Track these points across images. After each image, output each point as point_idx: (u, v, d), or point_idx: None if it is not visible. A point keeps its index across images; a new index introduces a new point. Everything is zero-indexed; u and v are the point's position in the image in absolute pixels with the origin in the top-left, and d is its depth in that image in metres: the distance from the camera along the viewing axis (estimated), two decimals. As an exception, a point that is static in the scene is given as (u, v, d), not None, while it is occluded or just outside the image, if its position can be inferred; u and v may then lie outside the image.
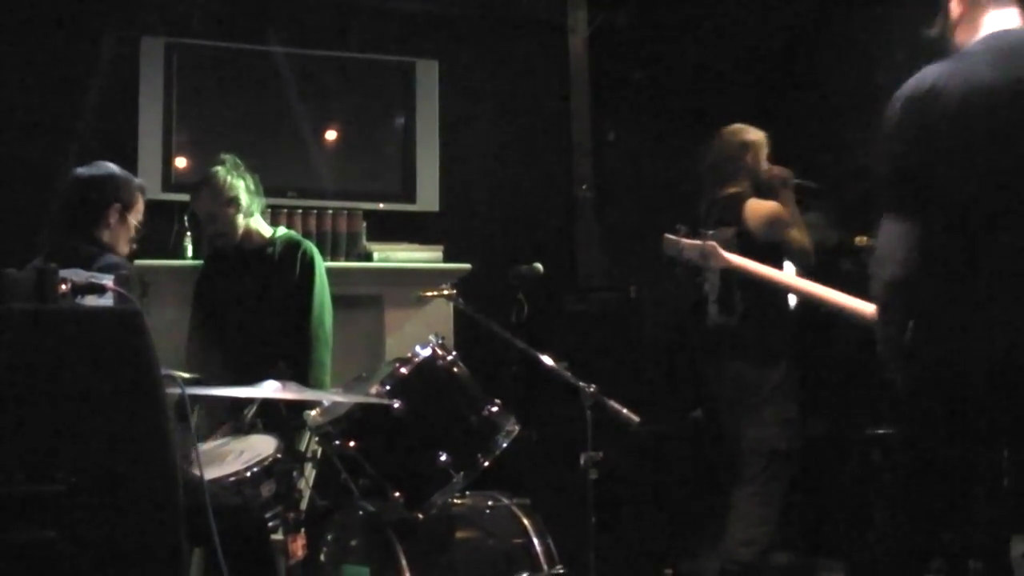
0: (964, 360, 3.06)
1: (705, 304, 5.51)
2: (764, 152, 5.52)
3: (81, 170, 4.50)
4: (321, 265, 5.45)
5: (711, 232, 5.25)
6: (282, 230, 5.55)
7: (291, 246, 5.43)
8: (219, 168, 5.30)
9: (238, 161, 5.39)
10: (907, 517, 3.26)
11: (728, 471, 5.49)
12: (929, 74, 3.12)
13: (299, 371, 5.09)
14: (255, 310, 5.34)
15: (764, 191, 5.41)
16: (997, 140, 3.02)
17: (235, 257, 5.42)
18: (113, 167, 4.55)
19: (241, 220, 5.33)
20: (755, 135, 5.54)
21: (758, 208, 5.31)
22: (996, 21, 3.23)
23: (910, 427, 3.29)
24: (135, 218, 4.53)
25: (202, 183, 5.34)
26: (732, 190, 5.44)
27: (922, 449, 3.20)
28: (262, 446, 4.26)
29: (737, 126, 5.57)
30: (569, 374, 4.34)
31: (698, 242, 4.62)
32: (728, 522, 5.30)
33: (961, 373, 3.07)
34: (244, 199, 5.32)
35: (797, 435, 5.35)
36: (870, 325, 3.39)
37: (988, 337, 3.02)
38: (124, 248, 4.48)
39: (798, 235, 5.29)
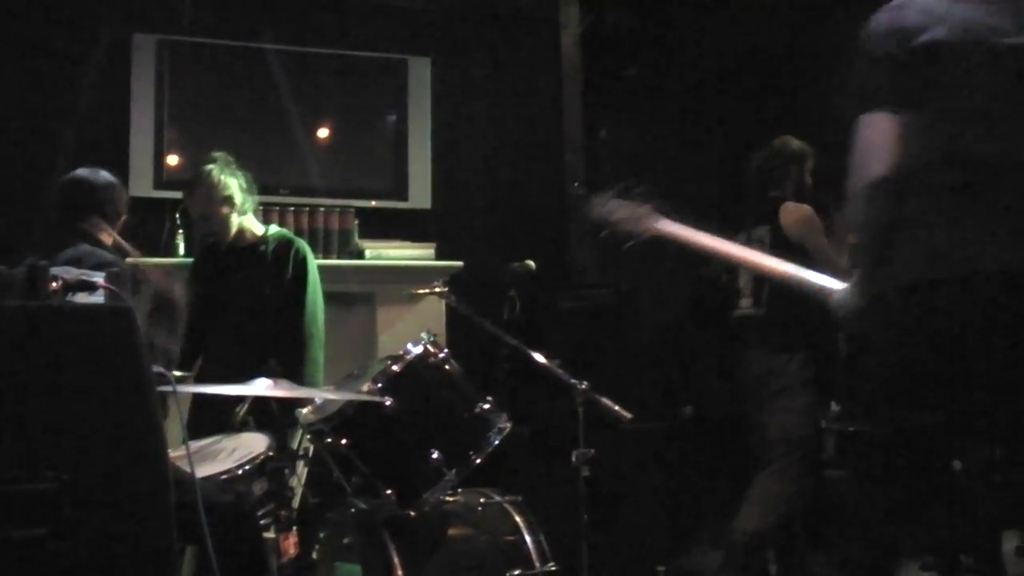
0: (969, 264, 2.83)
1: (736, 298, 5.57)
2: (810, 165, 5.63)
3: (80, 171, 4.52)
4: (314, 263, 5.44)
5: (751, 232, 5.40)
6: (274, 228, 5.53)
7: (284, 244, 5.42)
8: (211, 166, 5.27)
9: (229, 158, 5.36)
10: (878, 499, 3.01)
11: (751, 459, 5.53)
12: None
13: (291, 369, 5.08)
14: (247, 308, 5.33)
15: (805, 200, 5.50)
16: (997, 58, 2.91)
17: (227, 255, 5.40)
18: (107, 174, 4.66)
19: (235, 218, 5.31)
20: (804, 148, 5.65)
21: (793, 209, 5.46)
22: None
23: (881, 380, 3.00)
24: (121, 223, 4.62)
25: (195, 182, 5.31)
26: (774, 194, 5.54)
27: (899, 411, 2.94)
28: (254, 444, 4.25)
29: (788, 137, 5.67)
30: (561, 371, 4.34)
31: (631, 204, 4.01)
32: (744, 500, 5.33)
33: (964, 279, 2.83)
34: (238, 197, 5.30)
35: (814, 423, 5.42)
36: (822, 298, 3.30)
37: (997, 242, 2.84)
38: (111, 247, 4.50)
39: (830, 245, 5.33)
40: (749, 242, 5.52)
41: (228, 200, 5.25)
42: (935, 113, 2.90)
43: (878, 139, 2.88)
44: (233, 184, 5.26)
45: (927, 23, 2.93)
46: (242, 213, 5.32)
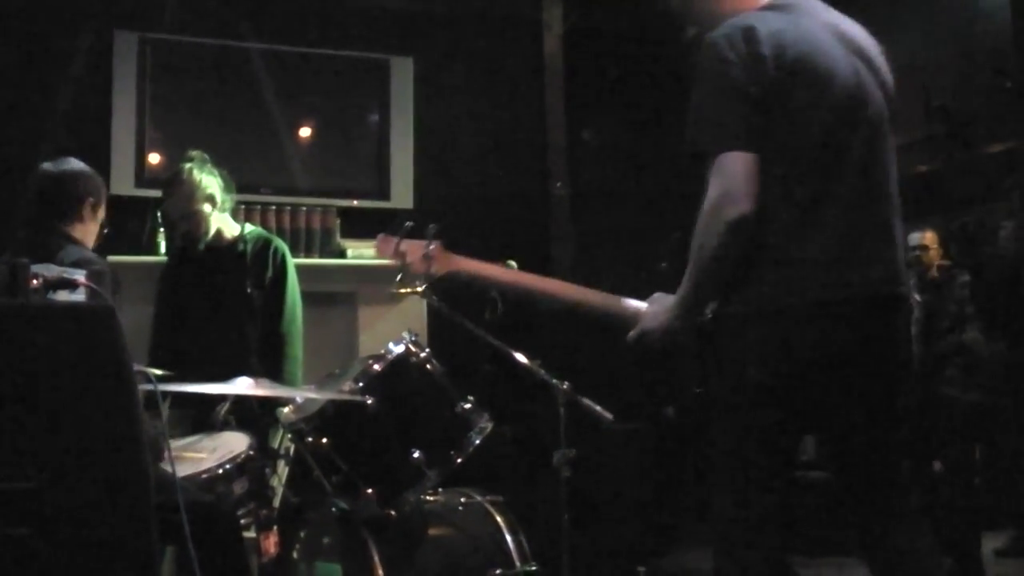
0: (841, 288, 2.90)
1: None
2: None
3: (48, 165, 4.40)
4: (292, 263, 5.44)
5: None
6: (250, 227, 5.50)
7: (262, 244, 5.40)
8: (190, 165, 5.24)
9: (206, 157, 5.34)
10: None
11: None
12: (752, 18, 3.01)
13: (272, 368, 5.08)
14: (226, 308, 5.31)
15: None
16: (836, 78, 2.98)
17: (203, 254, 5.38)
18: (81, 163, 4.46)
19: (215, 218, 5.29)
20: None
21: None
22: None
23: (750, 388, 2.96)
24: (104, 212, 4.44)
25: (173, 181, 5.26)
26: None
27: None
28: (235, 443, 4.25)
29: None
30: (543, 371, 4.33)
31: (421, 242, 3.84)
32: None
33: (838, 302, 2.90)
34: (218, 196, 5.28)
35: None
36: (626, 324, 3.32)
37: (863, 266, 2.92)
38: (93, 242, 4.39)
39: None
40: None
41: (209, 199, 5.23)
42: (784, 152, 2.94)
43: (740, 177, 2.88)
44: (213, 183, 5.24)
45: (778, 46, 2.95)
46: (222, 211, 5.30)
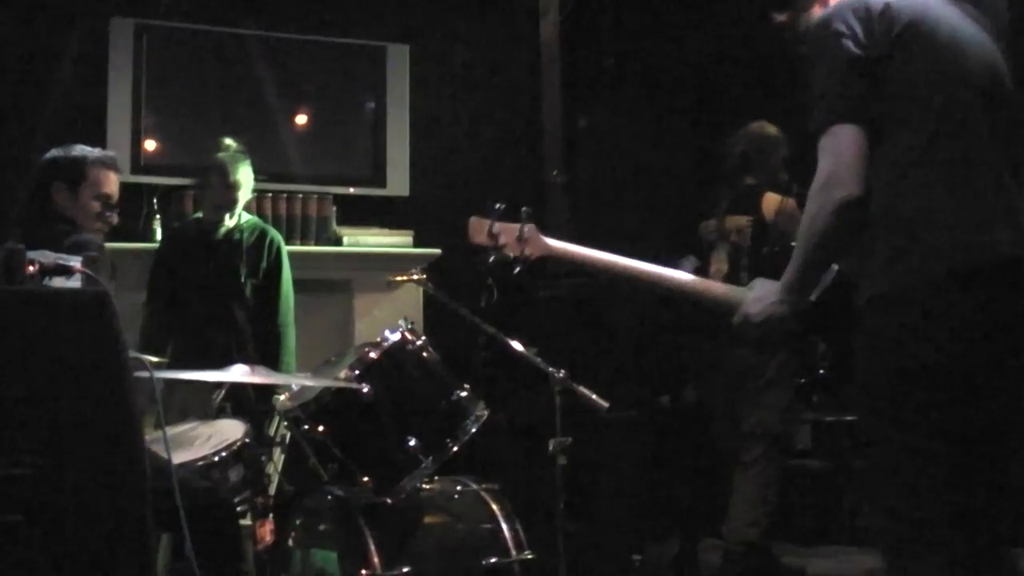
0: (977, 254, 2.74)
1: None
2: (784, 154, 5.58)
3: (57, 151, 4.37)
4: (287, 254, 5.46)
5: (724, 219, 5.47)
6: (247, 216, 5.51)
7: (259, 234, 5.42)
8: (230, 155, 5.27)
9: (242, 147, 5.39)
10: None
11: (725, 456, 5.55)
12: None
13: (268, 357, 5.09)
14: (218, 295, 5.32)
15: (780, 191, 5.42)
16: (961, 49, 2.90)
17: (199, 241, 5.39)
18: (66, 148, 4.37)
19: (241, 207, 5.34)
20: (780, 135, 5.60)
21: (780, 201, 5.37)
22: None
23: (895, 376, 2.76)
24: (91, 191, 4.30)
25: (214, 170, 5.27)
26: (751, 181, 5.49)
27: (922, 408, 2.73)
28: (230, 431, 4.25)
29: (763, 122, 5.62)
30: (539, 359, 4.33)
31: (515, 225, 3.73)
32: (731, 505, 5.35)
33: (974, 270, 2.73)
34: (251, 188, 5.35)
35: (793, 420, 5.45)
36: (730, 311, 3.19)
37: (997, 231, 2.76)
38: (91, 224, 4.29)
39: None
40: (721, 229, 5.52)
41: (244, 192, 5.27)
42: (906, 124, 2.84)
43: (849, 156, 2.80)
44: (249, 176, 5.28)
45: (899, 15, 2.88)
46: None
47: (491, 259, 3.77)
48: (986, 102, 2.89)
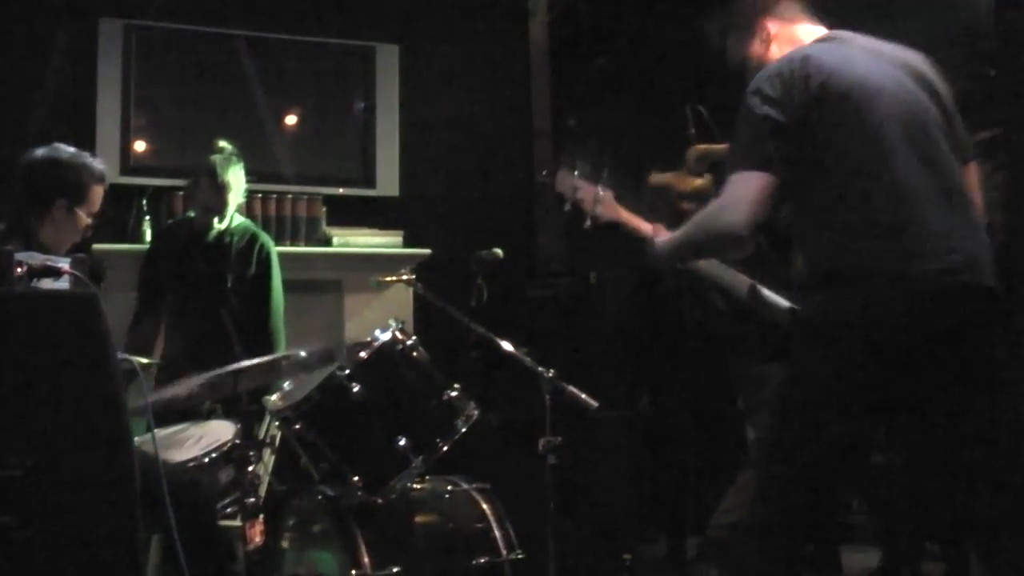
0: (903, 280, 3.01)
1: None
2: None
3: (39, 152, 4.19)
4: (276, 258, 5.46)
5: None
6: (239, 218, 5.50)
7: (248, 238, 5.42)
8: (221, 157, 5.27)
9: (235, 150, 5.37)
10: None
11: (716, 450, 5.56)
12: (797, 53, 3.23)
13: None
14: (205, 297, 5.31)
15: None
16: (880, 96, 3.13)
17: (189, 241, 5.38)
18: (65, 153, 4.22)
19: (232, 209, 5.33)
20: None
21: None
22: (810, 32, 3.46)
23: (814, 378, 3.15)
24: (87, 210, 4.20)
25: (203, 173, 5.26)
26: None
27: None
28: (221, 431, 4.25)
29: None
30: (528, 359, 4.34)
31: (594, 186, 4.13)
32: (726, 497, 5.35)
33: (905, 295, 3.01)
34: (243, 191, 5.35)
35: None
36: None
37: (927, 258, 3.01)
38: (67, 243, 4.18)
39: None
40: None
41: (235, 194, 5.26)
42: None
43: (744, 194, 3.09)
44: (241, 179, 5.27)
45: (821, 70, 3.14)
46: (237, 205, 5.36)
47: (567, 208, 4.18)
48: (909, 134, 3.11)
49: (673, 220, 4.68)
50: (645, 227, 3.95)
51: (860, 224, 3.03)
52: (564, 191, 4.19)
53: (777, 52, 3.44)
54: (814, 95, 3.08)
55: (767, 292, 3.83)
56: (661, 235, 3.55)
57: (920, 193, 3.04)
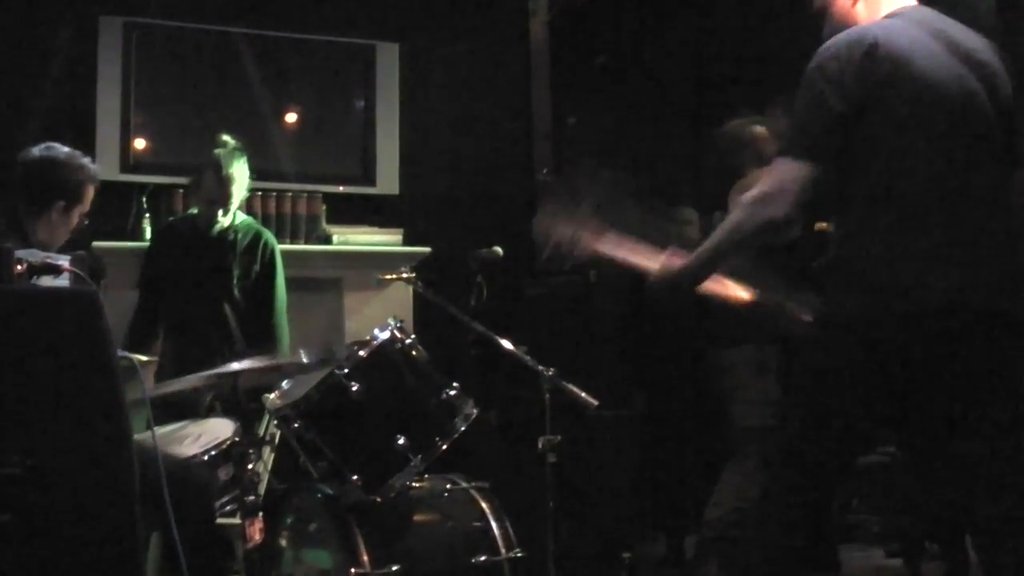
0: (930, 299, 2.98)
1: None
2: (768, 147, 5.52)
3: (33, 151, 4.26)
4: (280, 257, 5.46)
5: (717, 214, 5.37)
6: (242, 216, 5.50)
7: (253, 236, 5.42)
8: (225, 152, 5.26)
9: (239, 144, 5.37)
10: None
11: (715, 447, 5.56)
12: (868, 34, 3.14)
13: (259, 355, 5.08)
14: (207, 294, 5.31)
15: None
16: (943, 99, 3.08)
17: (192, 238, 5.38)
18: (61, 154, 4.27)
19: (235, 204, 5.33)
20: (756, 130, 5.54)
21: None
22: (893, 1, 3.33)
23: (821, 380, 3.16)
24: (80, 209, 4.28)
25: (208, 167, 5.26)
26: (739, 182, 5.48)
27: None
28: (220, 429, 4.25)
29: (737, 122, 5.58)
30: (528, 358, 4.34)
31: (570, 227, 3.77)
32: (714, 493, 5.35)
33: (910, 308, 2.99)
34: (246, 186, 5.34)
35: (771, 412, 5.42)
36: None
37: (942, 274, 2.98)
38: (60, 241, 4.23)
39: None
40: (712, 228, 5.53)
41: (239, 188, 5.26)
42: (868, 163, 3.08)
43: (787, 183, 3.07)
44: (244, 173, 5.27)
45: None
46: (241, 200, 5.36)
47: (545, 257, 3.86)
48: (957, 138, 3.07)
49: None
50: (647, 261, 3.61)
51: (889, 230, 3.01)
52: (544, 234, 3.82)
53: (863, 12, 3.33)
54: (874, 87, 3.04)
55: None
56: (675, 259, 3.38)
57: (956, 204, 3.02)
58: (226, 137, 5.39)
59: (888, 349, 2.99)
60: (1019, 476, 3.05)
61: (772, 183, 3.11)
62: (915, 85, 3.05)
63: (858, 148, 3.05)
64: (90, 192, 4.31)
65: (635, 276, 3.59)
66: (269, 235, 5.50)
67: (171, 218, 6.05)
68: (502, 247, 5.00)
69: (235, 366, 4.05)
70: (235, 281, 5.32)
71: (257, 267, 5.37)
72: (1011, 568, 3.02)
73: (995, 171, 3.13)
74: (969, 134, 3.09)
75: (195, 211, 5.50)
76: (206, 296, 5.30)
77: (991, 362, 3.02)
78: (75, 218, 4.26)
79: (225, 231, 5.35)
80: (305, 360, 4.16)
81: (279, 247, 5.58)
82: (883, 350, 3.00)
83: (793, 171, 3.07)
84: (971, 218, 3.03)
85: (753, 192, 3.17)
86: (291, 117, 7.10)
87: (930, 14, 3.28)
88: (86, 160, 4.33)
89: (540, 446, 4.21)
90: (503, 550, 4.03)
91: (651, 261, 3.55)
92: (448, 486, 4.23)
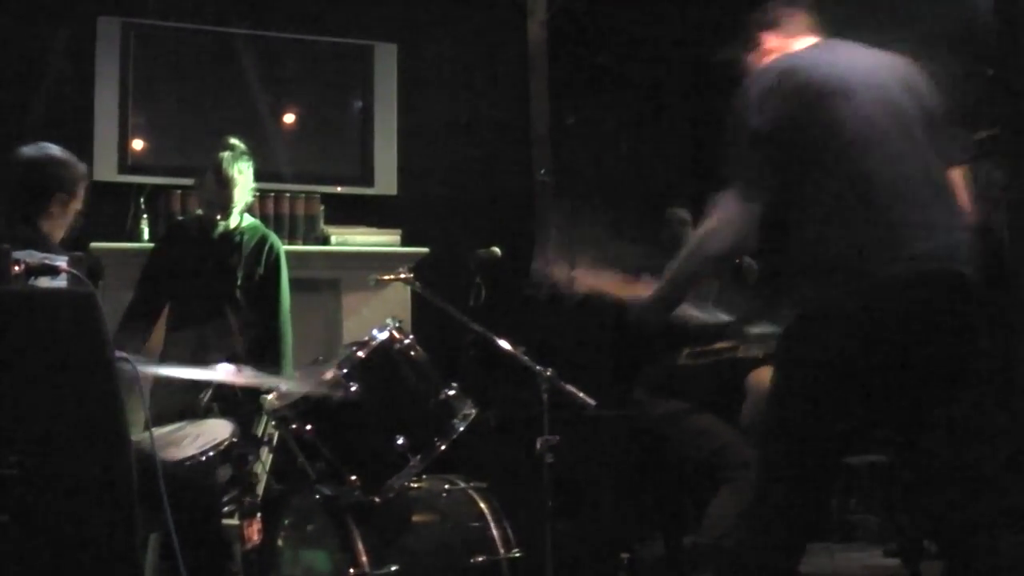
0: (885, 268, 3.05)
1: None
2: None
3: (26, 150, 4.29)
4: (285, 260, 5.44)
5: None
6: (247, 218, 5.48)
7: (259, 239, 5.40)
8: (230, 154, 5.25)
9: (244, 147, 5.35)
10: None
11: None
12: (779, 60, 3.39)
13: (258, 359, 5.07)
14: (214, 294, 5.30)
15: None
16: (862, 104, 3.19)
17: (198, 238, 5.37)
18: (56, 151, 4.32)
19: (239, 208, 5.32)
20: None
21: None
22: (805, 44, 3.51)
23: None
24: (75, 206, 4.30)
25: (211, 169, 5.25)
26: None
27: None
28: (218, 430, 4.24)
29: None
30: (526, 358, 4.34)
31: (566, 265, 3.99)
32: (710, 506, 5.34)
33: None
34: (251, 189, 5.33)
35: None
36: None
37: (905, 246, 3.06)
38: (59, 237, 4.25)
39: None
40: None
41: (243, 191, 5.25)
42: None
43: (733, 217, 3.22)
44: (249, 176, 5.26)
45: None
46: (245, 203, 5.34)
47: (543, 296, 4.07)
48: (887, 131, 3.18)
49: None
50: (627, 291, 3.81)
51: (839, 216, 3.09)
52: (538, 280, 4.05)
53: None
54: (792, 97, 3.17)
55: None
56: (648, 290, 3.58)
57: (898, 185, 3.10)
58: (233, 140, 5.38)
59: (866, 331, 3.04)
60: (987, 480, 3.09)
61: (718, 218, 3.24)
62: (836, 84, 3.19)
63: (795, 154, 3.17)
64: (84, 188, 4.35)
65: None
66: (275, 239, 5.48)
67: (180, 217, 6.05)
68: (500, 247, 5.00)
69: (216, 376, 4.04)
70: (238, 283, 5.31)
71: (261, 270, 5.35)
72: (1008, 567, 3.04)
73: (932, 163, 3.21)
74: (900, 128, 3.19)
75: (200, 212, 5.50)
76: (209, 296, 5.29)
77: (958, 338, 3.10)
78: (72, 214, 4.28)
79: (231, 233, 5.34)
80: (284, 389, 4.16)
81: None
82: (862, 333, 3.04)
83: (735, 205, 3.21)
84: (919, 198, 3.11)
85: (703, 226, 3.32)
86: (289, 117, 7.10)
87: (841, 42, 3.44)
88: (72, 158, 4.37)
89: (539, 446, 4.20)
90: (501, 550, 4.04)
91: (632, 290, 3.73)
92: (447, 486, 4.23)
